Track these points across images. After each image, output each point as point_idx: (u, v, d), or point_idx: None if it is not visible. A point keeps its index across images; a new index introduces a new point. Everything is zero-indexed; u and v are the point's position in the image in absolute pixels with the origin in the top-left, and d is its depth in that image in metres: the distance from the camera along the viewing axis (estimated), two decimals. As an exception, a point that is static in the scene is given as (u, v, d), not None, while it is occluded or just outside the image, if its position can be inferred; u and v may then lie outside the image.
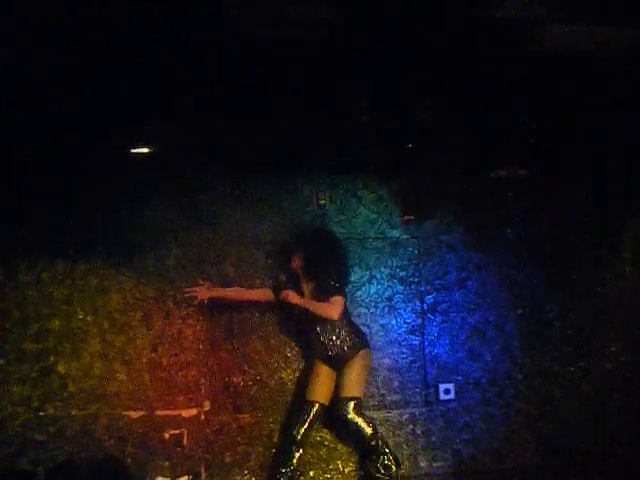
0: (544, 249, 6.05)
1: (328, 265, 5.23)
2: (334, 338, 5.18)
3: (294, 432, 5.15)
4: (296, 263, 5.30)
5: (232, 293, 5.42)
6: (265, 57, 4.19)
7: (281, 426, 5.52)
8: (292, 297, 5.08)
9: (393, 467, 5.13)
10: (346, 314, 5.22)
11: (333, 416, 5.28)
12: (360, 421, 5.09)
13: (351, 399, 5.09)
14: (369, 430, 5.10)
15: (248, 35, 3.98)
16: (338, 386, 5.19)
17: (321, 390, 5.21)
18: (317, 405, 5.17)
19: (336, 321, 5.14)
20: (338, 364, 5.20)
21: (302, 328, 5.43)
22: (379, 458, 5.13)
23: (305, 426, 5.14)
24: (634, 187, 6.25)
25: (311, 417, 5.15)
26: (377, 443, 5.13)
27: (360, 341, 5.23)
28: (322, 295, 5.12)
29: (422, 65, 4.45)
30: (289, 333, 5.62)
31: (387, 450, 5.16)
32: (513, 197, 6.02)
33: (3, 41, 3.81)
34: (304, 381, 5.41)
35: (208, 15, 3.77)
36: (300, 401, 5.31)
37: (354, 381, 5.15)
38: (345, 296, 5.17)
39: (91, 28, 3.81)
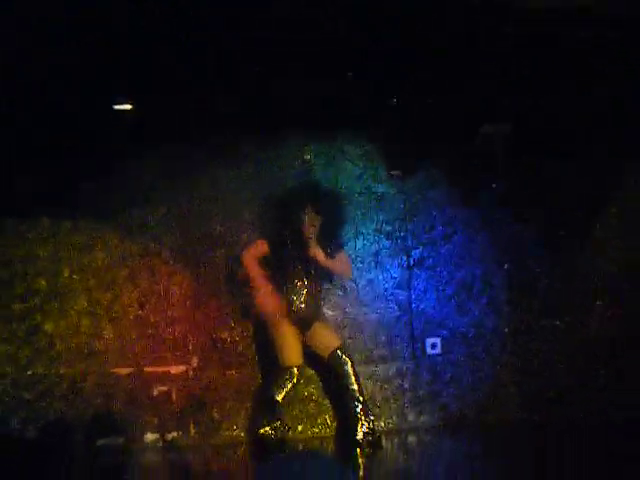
0: (530, 204, 6.03)
1: (340, 224, 5.36)
2: (308, 300, 5.20)
3: (276, 396, 5.13)
4: (309, 223, 5.20)
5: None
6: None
7: (260, 385, 5.54)
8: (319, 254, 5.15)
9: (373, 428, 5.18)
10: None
11: (322, 371, 5.32)
12: (351, 369, 5.17)
13: (338, 347, 5.18)
14: (355, 385, 5.17)
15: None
16: (317, 344, 5.22)
17: (296, 352, 5.19)
18: (295, 369, 5.15)
19: (313, 284, 5.19)
20: (304, 326, 5.20)
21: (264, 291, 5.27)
22: (363, 415, 5.17)
23: (286, 390, 5.14)
24: (626, 145, 6.23)
25: (292, 382, 5.15)
26: (357, 397, 5.18)
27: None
28: (333, 253, 5.21)
29: (409, 26, 4.45)
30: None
31: (364, 408, 5.21)
32: (499, 152, 5.99)
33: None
34: (265, 343, 5.35)
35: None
36: (275, 366, 5.25)
37: (330, 333, 5.28)
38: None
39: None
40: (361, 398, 5.17)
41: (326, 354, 5.21)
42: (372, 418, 5.19)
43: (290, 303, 5.16)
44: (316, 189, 5.40)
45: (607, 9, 4.33)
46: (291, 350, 5.16)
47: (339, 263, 5.25)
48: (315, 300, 5.25)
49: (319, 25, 4.40)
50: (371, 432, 5.13)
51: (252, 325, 5.56)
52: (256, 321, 5.42)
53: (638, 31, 4.50)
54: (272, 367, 5.26)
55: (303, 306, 5.17)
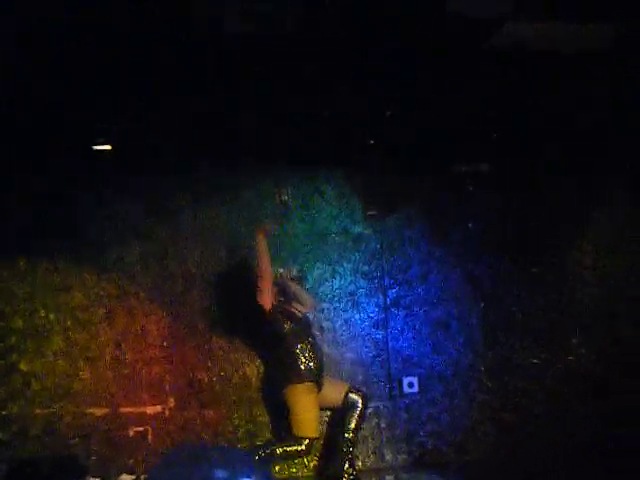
0: (505, 243, 6.12)
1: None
2: (315, 355, 5.13)
3: (276, 451, 5.00)
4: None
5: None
6: (227, 53, 4.22)
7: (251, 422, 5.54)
8: None
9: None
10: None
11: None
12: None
13: (350, 390, 5.25)
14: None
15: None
16: (328, 397, 5.23)
17: (315, 424, 5.04)
18: (307, 440, 4.98)
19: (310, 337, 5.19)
20: (320, 384, 5.14)
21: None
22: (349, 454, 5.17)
23: (290, 454, 5.04)
24: (593, 183, 6.35)
25: (301, 451, 5.00)
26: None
27: (290, 375, 5.06)
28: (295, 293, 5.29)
29: (384, 65, 4.50)
30: (252, 329, 5.62)
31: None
32: (474, 192, 6.08)
33: None
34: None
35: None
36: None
37: (334, 379, 5.31)
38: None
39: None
40: (352, 436, 5.17)
41: (340, 401, 5.19)
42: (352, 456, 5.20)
43: (300, 365, 5.03)
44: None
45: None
46: (312, 422, 4.99)
47: (306, 300, 5.26)
48: (320, 352, 5.17)
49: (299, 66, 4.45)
50: (352, 470, 5.14)
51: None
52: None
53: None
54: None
55: (312, 364, 5.05)
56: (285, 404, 5.00)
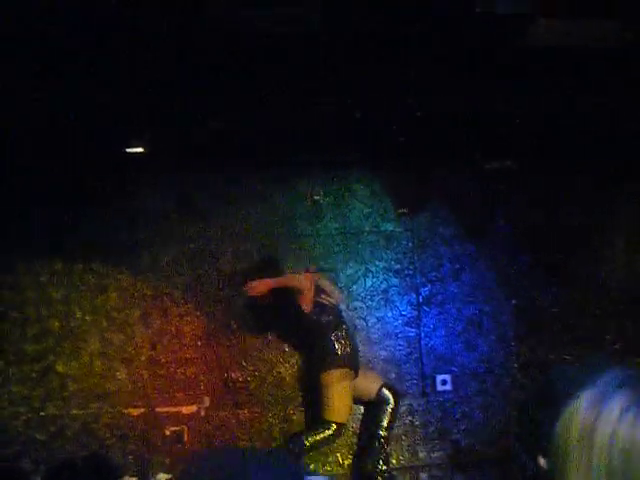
0: (537, 240, 6.08)
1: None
2: (349, 343, 5.23)
3: (306, 442, 5.13)
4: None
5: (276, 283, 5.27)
6: (258, 53, 4.25)
7: (286, 421, 5.57)
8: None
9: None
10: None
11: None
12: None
13: (384, 385, 5.31)
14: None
15: (244, 30, 4.03)
16: (362, 388, 5.29)
17: (347, 410, 5.17)
18: (335, 425, 5.11)
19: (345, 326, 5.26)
20: (356, 371, 5.22)
21: None
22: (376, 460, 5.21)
23: (318, 440, 5.14)
24: (627, 176, 6.29)
25: (328, 435, 5.10)
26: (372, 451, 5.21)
27: (329, 359, 5.15)
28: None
29: (415, 60, 4.50)
30: (286, 328, 5.66)
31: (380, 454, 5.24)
32: (506, 189, 6.06)
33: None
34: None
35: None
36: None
37: (370, 372, 5.36)
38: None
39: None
40: (385, 434, 5.19)
41: (373, 394, 5.23)
42: (386, 454, 5.22)
43: (336, 351, 5.11)
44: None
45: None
46: (344, 408, 5.09)
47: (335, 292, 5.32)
48: (354, 340, 5.25)
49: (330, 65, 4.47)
50: (386, 468, 5.16)
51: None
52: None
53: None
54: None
55: (348, 350, 5.14)
56: (319, 390, 5.06)
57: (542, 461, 1.55)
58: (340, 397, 5.02)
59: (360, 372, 5.22)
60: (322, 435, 5.05)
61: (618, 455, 1.18)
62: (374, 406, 5.27)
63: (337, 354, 5.05)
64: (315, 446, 5.12)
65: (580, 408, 1.24)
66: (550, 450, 1.28)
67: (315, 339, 5.14)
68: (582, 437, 1.21)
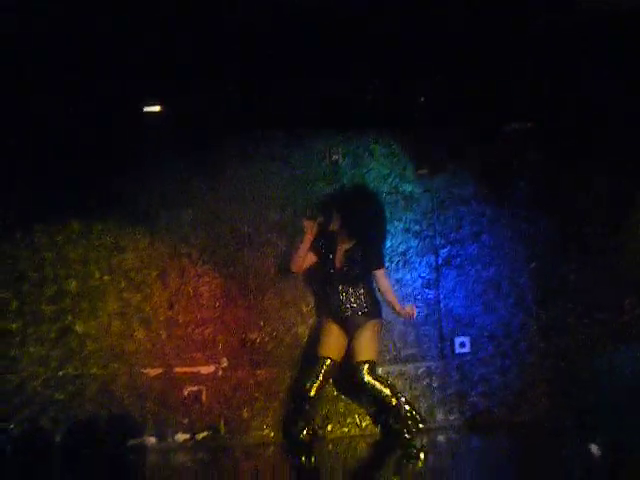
0: (557, 202, 6.01)
1: (374, 229, 5.32)
2: (352, 301, 5.21)
3: (307, 387, 5.18)
4: (335, 224, 5.29)
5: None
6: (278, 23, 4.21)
7: (294, 381, 5.55)
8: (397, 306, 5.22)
9: (417, 419, 5.20)
10: (370, 281, 5.28)
11: (351, 371, 5.32)
12: (376, 384, 5.12)
13: (365, 362, 5.12)
14: (386, 391, 5.13)
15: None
16: (351, 351, 5.21)
17: (333, 347, 5.25)
18: (329, 361, 5.20)
19: (360, 285, 5.21)
20: (350, 328, 5.23)
21: (319, 286, 5.49)
22: (401, 415, 5.18)
23: (318, 382, 5.18)
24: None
25: (323, 372, 5.19)
26: (397, 403, 5.16)
27: (374, 311, 5.26)
28: (364, 262, 5.21)
29: (438, 19, 4.44)
30: (304, 289, 5.65)
31: (408, 408, 5.21)
32: (527, 150, 5.98)
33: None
34: (316, 337, 5.44)
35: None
36: (312, 357, 5.34)
37: (366, 345, 5.17)
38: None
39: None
40: (394, 401, 5.18)
41: (352, 362, 5.20)
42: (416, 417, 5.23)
43: (340, 303, 5.23)
44: (347, 190, 5.52)
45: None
46: (328, 343, 5.25)
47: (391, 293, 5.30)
48: (364, 299, 5.24)
49: (344, 22, 4.41)
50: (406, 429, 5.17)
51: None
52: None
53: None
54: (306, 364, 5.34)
55: (352, 306, 5.21)
56: (362, 333, 5.17)
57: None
58: (328, 332, 5.30)
59: (367, 330, 5.23)
60: (319, 375, 5.17)
61: None
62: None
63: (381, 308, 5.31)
64: (318, 392, 5.18)
65: None
66: None
67: (362, 285, 5.25)
68: None
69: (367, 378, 5.10)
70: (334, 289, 5.27)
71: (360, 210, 5.31)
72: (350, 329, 5.23)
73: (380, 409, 5.42)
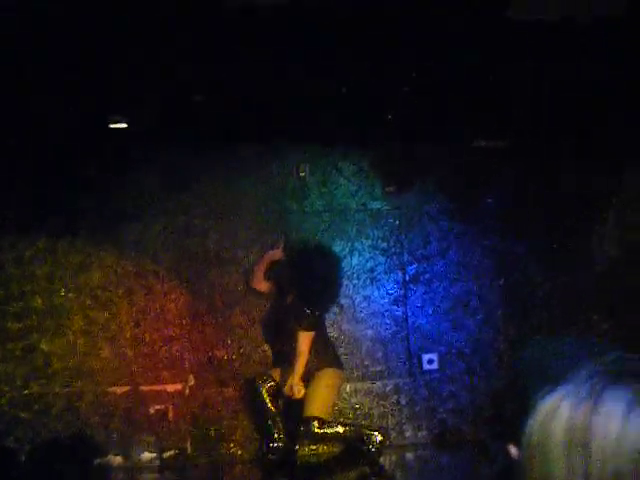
0: (525, 218, 6.04)
1: (310, 286, 5.18)
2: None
3: (262, 408, 5.19)
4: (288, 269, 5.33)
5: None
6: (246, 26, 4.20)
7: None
8: (296, 389, 5.08)
9: (379, 437, 5.17)
10: (320, 329, 5.22)
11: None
12: (328, 432, 5.07)
13: (314, 419, 5.02)
14: (341, 429, 5.11)
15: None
16: (304, 401, 5.11)
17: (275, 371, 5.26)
18: (270, 382, 5.17)
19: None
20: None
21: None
22: (364, 439, 5.17)
23: (268, 400, 5.15)
24: (619, 155, 6.24)
25: (263, 393, 5.15)
26: (355, 434, 5.17)
27: (326, 359, 5.17)
28: (296, 314, 5.10)
29: (398, 36, 4.46)
30: (272, 308, 5.63)
31: (367, 431, 5.20)
32: (494, 166, 6.01)
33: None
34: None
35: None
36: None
37: (319, 402, 5.08)
38: (320, 321, 5.21)
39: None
40: (349, 433, 5.17)
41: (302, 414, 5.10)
42: (374, 434, 5.19)
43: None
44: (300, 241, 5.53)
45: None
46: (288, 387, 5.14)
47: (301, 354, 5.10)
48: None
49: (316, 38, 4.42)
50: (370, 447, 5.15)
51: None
52: None
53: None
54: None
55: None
56: (317, 386, 5.06)
57: (514, 451, 1.30)
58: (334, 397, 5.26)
59: (322, 380, 5.15)
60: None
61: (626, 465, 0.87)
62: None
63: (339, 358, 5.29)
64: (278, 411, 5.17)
65: (567, 402, 0.93)
66: (524, 443, 0.98)
67: (319, 335, 5.16)
68: (569, 438, 0.91)
69: (316, 432, 5.02)
70: (283, 328, 5.25)
71: (303, 267, 5.26)
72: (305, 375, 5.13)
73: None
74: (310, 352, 5.04)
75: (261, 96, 5.02)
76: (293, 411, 5.21)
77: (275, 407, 5.15)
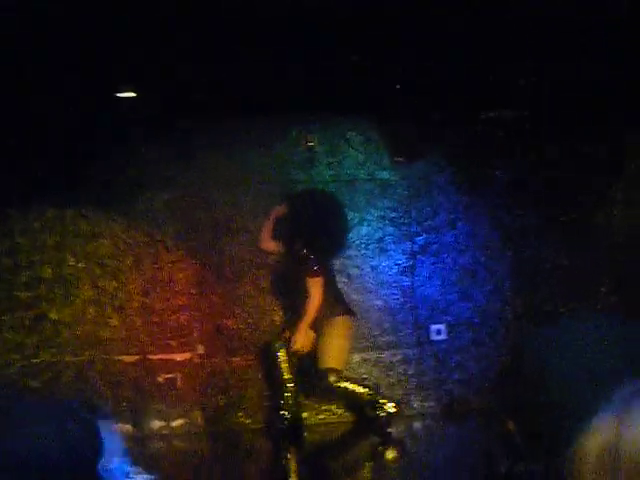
0: (533, 190, 6.01)
1: (313, 232, 5.22)
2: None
3: (277, 374, 5.22)
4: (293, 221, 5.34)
5: None
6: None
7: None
8: (298, 339, 5.12)
9: (392, 408, 5.20)
10: (329, 277, 5.24)
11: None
12: (347, 387, 5.12)
13: (331, 370, 5.06)
14: (359, 389, 5.15)
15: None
16: (318, 353, 5.14)
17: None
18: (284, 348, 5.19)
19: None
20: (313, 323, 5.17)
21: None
22: (378, 408, 5.19)
23: (285, 366, 5.17)
24: (627, 127, 6.20)
25: (280, 358, 5.18)
26: (371, 397, 5.20)
27: (337, 308, 5.19)
28: (302, 262, 5.13)
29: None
30: (280, 275, 5.63)
31: (382, 399, 5.23)
32: (503, 137, 5.97)
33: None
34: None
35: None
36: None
37: (333, 352, 5.11)
38: (325, 268, 5.21)
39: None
40: (367, 396, 5.19)
41: (317, 367, 5.15)
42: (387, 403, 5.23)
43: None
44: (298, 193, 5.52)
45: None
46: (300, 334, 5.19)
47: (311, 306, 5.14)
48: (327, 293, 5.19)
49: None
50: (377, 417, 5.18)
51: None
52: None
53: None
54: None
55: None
56: (330, 336, 5.08)
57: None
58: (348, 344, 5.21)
59: (334, 329, 5.18)
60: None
61: None
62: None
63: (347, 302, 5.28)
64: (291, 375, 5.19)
65: (619, 420, 0.88)
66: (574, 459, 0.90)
67: (329, 284, 5.19)
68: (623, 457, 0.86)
69: (331, 385, 5.06)
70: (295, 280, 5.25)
71: (305, 215, 5.30)
72: (315, 325, 5.16)
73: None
74: (321, 301, 5.08)
75: (272, 68, 4.99)
76: (305, 378, 5.26)
77: (290, 373, 5.17)
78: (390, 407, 5.17)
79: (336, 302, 5.20)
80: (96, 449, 1.04)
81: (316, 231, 5.19)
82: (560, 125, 5.97)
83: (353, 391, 5.14)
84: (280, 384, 5.20)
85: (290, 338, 5.16)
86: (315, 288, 5.05)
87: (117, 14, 4.02)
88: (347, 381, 5.13)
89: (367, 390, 5.19)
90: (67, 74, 4.76)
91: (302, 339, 5.07)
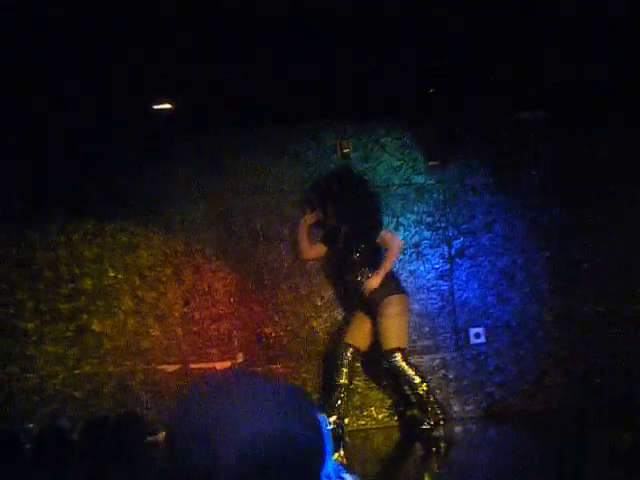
0: (570, 190, 5.98)
1: (362, 209, 5.33)
2: (359, 278, 5.22)
3: (335, 377, 5.23)
4: (330, 216, 5.38)
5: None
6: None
7: (320, 375, 5.58)
8: (371, 283, 5.15)
9: (440, 419, 5.19)
10: (377, 255, 5.27)
11: (367, 363, 5.34)
12: (408, 370, 5.13)
13: (396, 350, 5.12)
14: (417, 379, 5.16)
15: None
16: (379, 336, 5.18)
17: (354, 333, 5.28)
18: (350, 348, 5.22)
19: (370, 263, 5.21)
20: (372, 308, 5.20)
21: (336, 275, 5.55)
22: (427, 408, 5.19)
23: (345, 370, 5.20)
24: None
25: (344, 360, 5.20)
26: (424, 392, 5.19)
27: (389, 288, 5.21)
28: (366, 237, 5.23)
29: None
30: (319, 282, 5.66)
31: (433, 399, 5.22)
32: (538, 139, 5.95)
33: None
34: (341, 327, 5.53)
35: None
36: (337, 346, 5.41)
37: (394, 331, 5.15)
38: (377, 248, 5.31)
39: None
40: (421, 391, 5.19)
41: (382, 350, 5.20)
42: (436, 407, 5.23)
43: (348, 282, 5.31)
44: (333, 183, 5.50)
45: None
46: (350, 329, 5.33)
47: (390, 251, 5.25)
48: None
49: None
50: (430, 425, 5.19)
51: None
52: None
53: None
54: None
55: (359, 279, 5.21)
56: (387, 316, 5.12)
57: None
58: (352, 318, 5.36)
59: (387, 316, 5.20)
60: (342, 363, 5.25)
61: None
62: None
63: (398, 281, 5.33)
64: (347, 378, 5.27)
65: None
66: None
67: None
68: None
69: (398, 365, 5.11)
70: (348, 273, 5.30)
71: (344, 195, 5.36)
72: (370, 311, 5.22)
73: (401, 399, 5.44)
74: (400, 247, 5.34)
75: (305, 75, 5.01)
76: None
77: (349, 380, 5.24)
78: (438, 411, 5.16)
79: (390, 281, 5.22)
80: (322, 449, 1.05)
81: (352, 217, 5.28)
82: (598, 125, 5.94)
83: (411, 379, 5.17)
84: (336, 390, 5.21)
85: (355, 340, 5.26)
86: (387, 239, 5.24)
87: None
88: (409, 366, 5.17)
89: (424, 386, 5.19)
90: (101, 90, 4.82)
91: (376, 284, 5.12)
